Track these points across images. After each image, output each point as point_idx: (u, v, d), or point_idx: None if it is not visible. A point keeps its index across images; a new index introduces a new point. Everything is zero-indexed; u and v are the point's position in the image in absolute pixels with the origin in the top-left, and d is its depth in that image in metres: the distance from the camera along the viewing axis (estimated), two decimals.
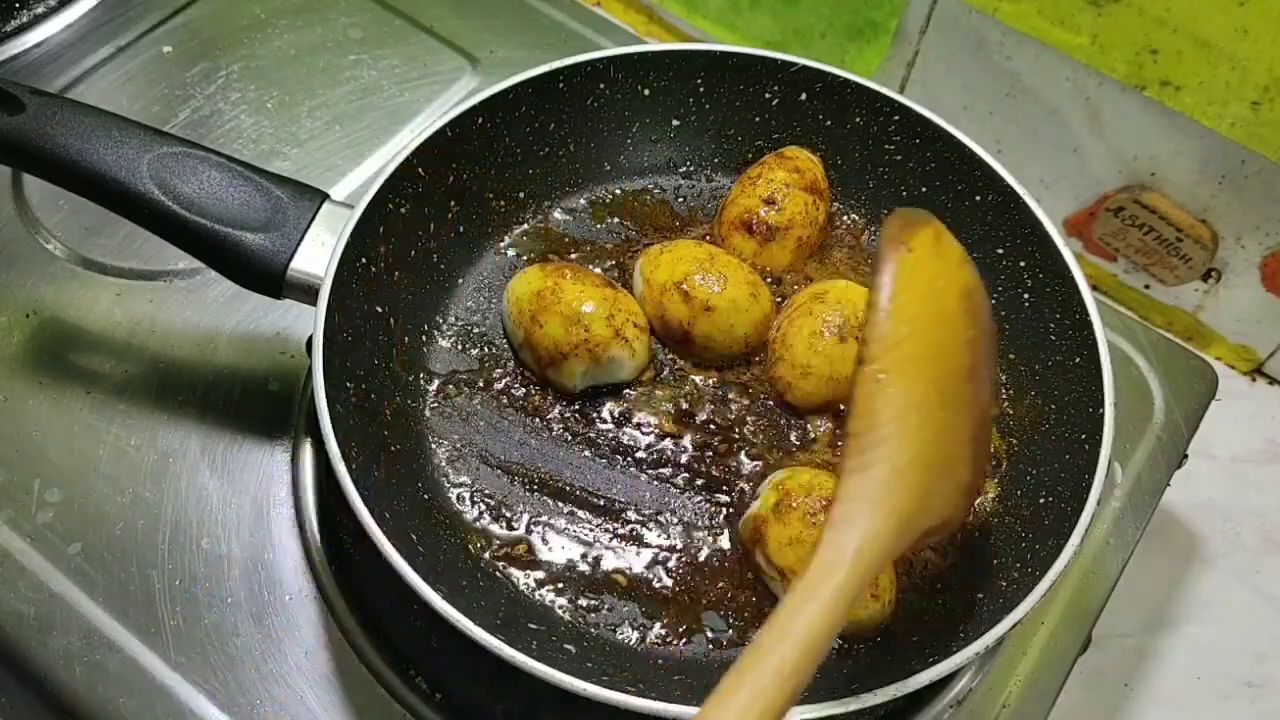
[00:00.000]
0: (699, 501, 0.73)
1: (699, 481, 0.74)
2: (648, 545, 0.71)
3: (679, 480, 0.74)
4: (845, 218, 0.86)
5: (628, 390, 0.76)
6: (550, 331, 0.73)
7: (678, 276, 0.75)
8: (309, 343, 0.68)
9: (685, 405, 0.76)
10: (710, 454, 0.74)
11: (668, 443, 0.75)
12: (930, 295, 0.56)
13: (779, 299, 0.79)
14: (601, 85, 0.83)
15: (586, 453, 0.75)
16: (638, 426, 0.75)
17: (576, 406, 0.76)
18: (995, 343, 0.62)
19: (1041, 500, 0.71)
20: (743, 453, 0.75)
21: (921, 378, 0.54)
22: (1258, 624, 0.92)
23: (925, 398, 0.54)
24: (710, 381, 0.77)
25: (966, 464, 0.59)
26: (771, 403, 0.76)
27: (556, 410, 0.76)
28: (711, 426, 0.75)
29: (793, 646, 0.47)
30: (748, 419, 0.76)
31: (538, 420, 0.76)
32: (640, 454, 0.75)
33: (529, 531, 0.71)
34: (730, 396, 0.77)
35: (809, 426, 0.76)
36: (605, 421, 0.76)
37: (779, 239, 0.79)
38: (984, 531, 0.73)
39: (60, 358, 0.84)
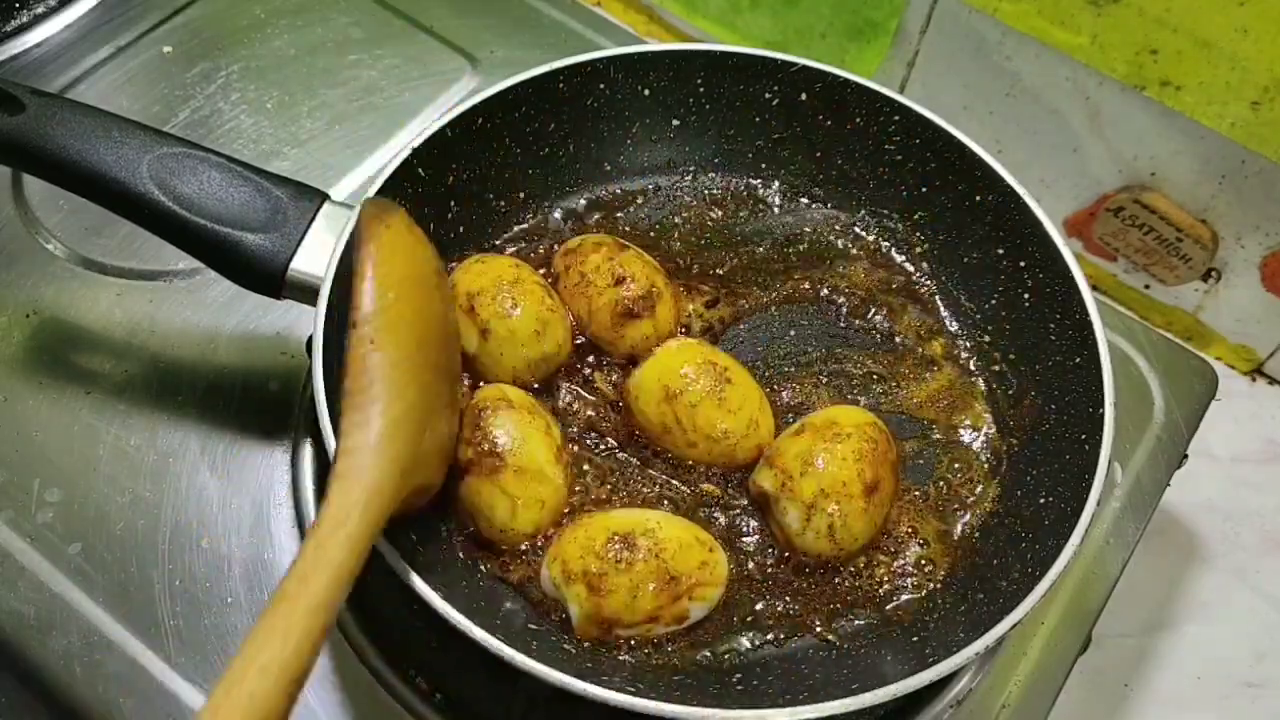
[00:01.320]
0: (699, 499, 0.73)
1: (699, 480, 0.74)
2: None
3: (680, 479, 0.74)
4: (857, 228, 0.86)
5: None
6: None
7: (473, 289, 0.74)
8: (309, 343, 0.68)
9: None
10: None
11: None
12: (409, 266, 0.62)
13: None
14: (601, 85, 0.83)
15: (585, 452, 0.75)
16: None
17: (576, 408, 0.76)
18: (456, 323, 0.69)
19: (1041, 500, 0.71)
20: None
21: (407, 340, 0.59)
22: (1258, 624, 0.92)
23: (411, 358, 0.59)
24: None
25: (445, 424, 0.65)
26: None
27: (557, 410, 0.76)
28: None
29: (318, 584, 0.50)
30: None
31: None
32: (642, 453, 0.75)
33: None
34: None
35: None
36: (607, 418, 0.76)
37: (660, 300, 0.76)
38: (984, 531, 0.73)
39: (60, 358, 0.84)
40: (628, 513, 0.69)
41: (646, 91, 0.84)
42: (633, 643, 0.67)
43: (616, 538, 0.65)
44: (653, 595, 0.65)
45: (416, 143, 0.75)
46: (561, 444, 0.71)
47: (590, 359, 0.78)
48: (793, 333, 0.81)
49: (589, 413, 0.76)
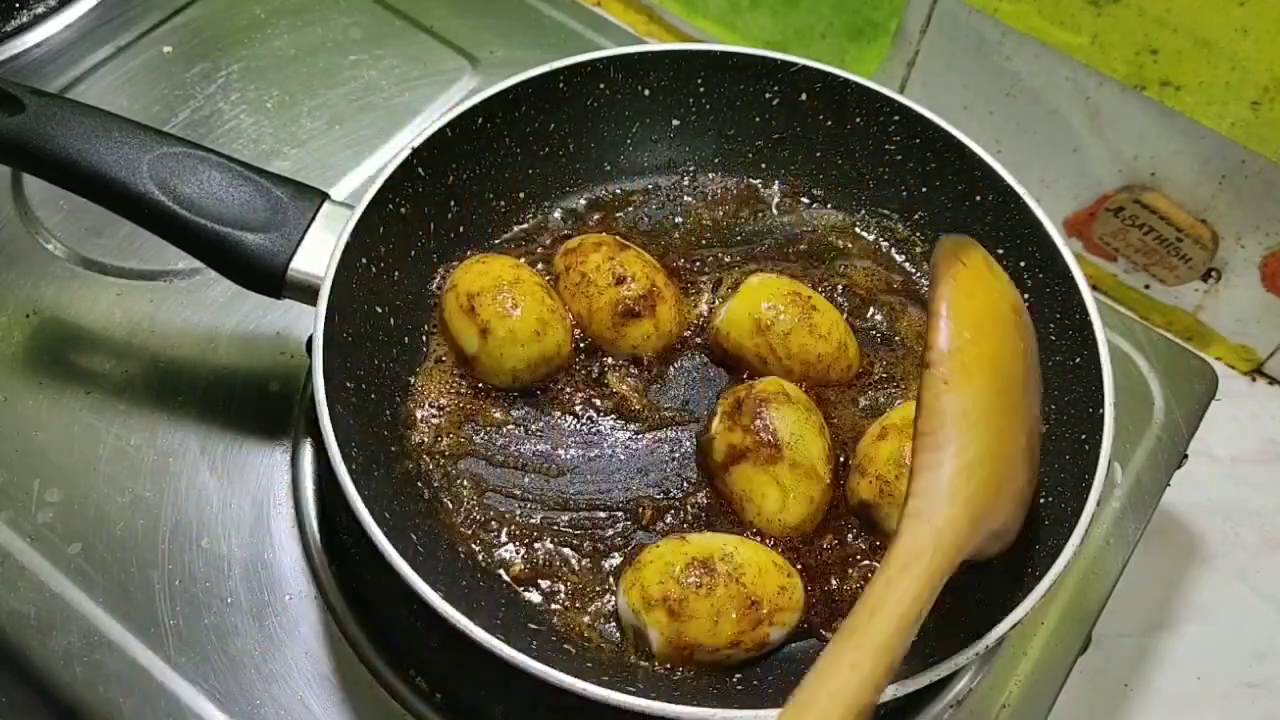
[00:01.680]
0: (700, 499, 0.73)
1: (699, 480, 0.74)
2: (650, 541, 0.71)
3: (681, 478, 0.74)
4: (857, 228, 0.86)
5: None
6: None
7: (473, 289, 0.75)
8: (309, 343, 0.68)
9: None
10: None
11: (667, 443, 0.75)
12: (986, 305, 0.60)
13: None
14: (601, 85, 0.83)
15: (585, 452, 0.75)
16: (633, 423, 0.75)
17: (577, 405, 0.76)
18: (1038, 361, 0.65)
19: (1041, 500, 0.71)
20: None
21: (982, 382, 0.57)
22: (1258, 624, 0.92)
23: (987, 401, 0.57)
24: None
25: (1022, 472, 0.62)
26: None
27: (557, 408, 0.76)
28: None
29: (884, 623, 0.51)
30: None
31: (538, 418, 0.76)
32: (644, 452, 0.75)
33: (530, 531, 0.71)
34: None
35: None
36: (607, 418, 0.76)
37: (660, 300, 0.77)
38: None
39: (60, 358, 0.84)
40: (703, 537, 0.69)
41: (646, 91, 0.84)
42: (633, 640, 0.67)
43: (695, 562, 0.66)
44: (734, 621, 0.65)
45: (416, 143, 0.75)
46: (833, 447, 0.73)
47: (594, 361, 0.78)
48: None
49: (609, 413, 0.76)
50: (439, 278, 0.80)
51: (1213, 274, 1.01)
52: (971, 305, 0.58)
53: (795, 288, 0.77)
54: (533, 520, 0.72)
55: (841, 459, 0.74)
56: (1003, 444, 0.59)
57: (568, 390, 0.77)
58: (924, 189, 0.83)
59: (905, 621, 0.51)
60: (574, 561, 0.71)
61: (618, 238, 0.80)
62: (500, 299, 0.74)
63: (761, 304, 0.76)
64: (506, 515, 0.72)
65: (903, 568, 0.53)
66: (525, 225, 0.84)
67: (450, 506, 0.72)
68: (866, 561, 0.72)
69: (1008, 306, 0.62)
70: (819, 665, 0.49)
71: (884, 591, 0.52)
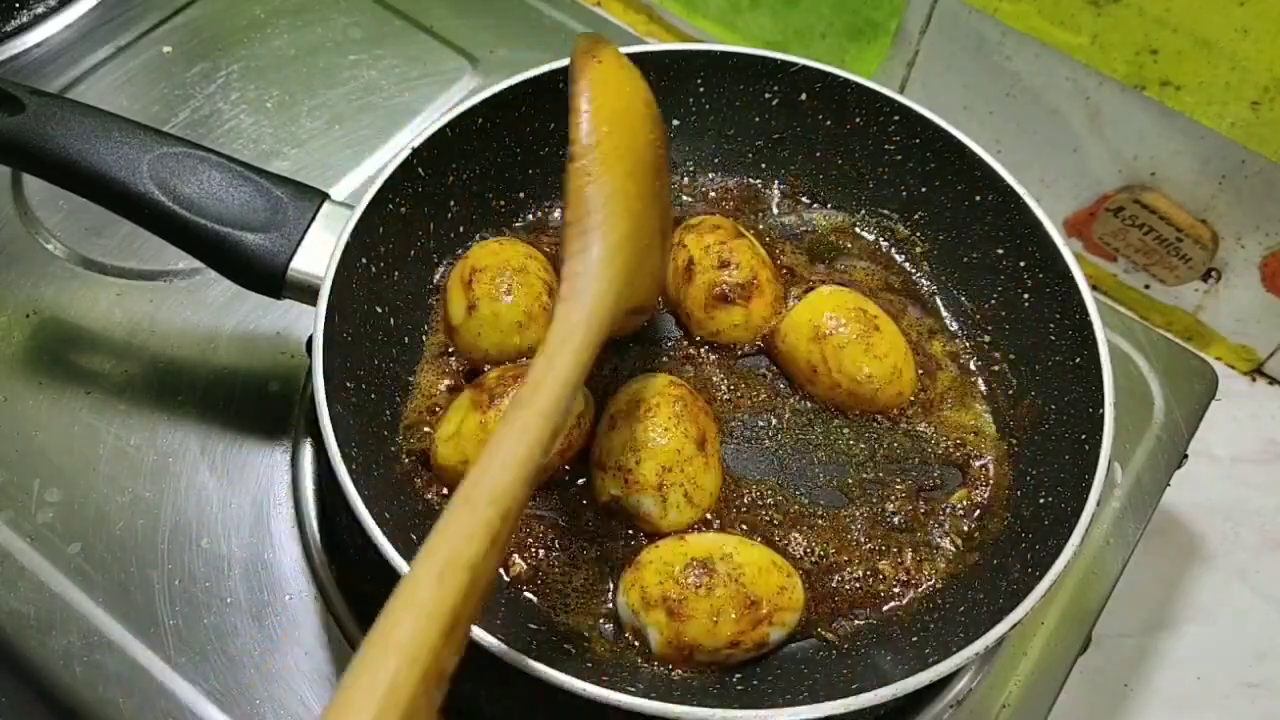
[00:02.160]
0: None
1: None
2: (650, 542, 0.71)
3: None
4: (857, 228, 0.86)
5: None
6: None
7: (478, 265, 0.76)
8: (309, 343, 0.68)
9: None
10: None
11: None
12: (621, 98, 0.64)
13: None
14: None
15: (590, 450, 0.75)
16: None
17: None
18: (668, 147, 0.70)
19: (1041, 500, 0.71)
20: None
21: (621, 170, 0.62)
22: (1258, 624, 0.92)
23: (625, 187, 0.62)
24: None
25: (657, 253, 0.68)
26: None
27: None
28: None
29: (548, 392, 0.55)
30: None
31: None
32: None
33: (529, 531, 0.71)
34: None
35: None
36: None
37: (756, 292, 0.77)
38: (983, 532, 0.73)
39: (60, 358, 0.84)
40: (703, 538, 0.69)
41: None
42: (632, 641, 0.67)
43: (695, 563, 0.66)
44: (734, 621, 0.65)
45: (416, 143, 0.75)
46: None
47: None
48: None
49: None
50: (439, 275, 0.80)
51: (1213, 274, 1.01)
52: (608, 99, 0.63)
53: (863, 304, 0.77)
54: (533, 520, 0.72)
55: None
56: (642, 227, 0.63)
57: None
58: (924, 189, 0.83)
59: (566, 389, 0.55)
60: (574, 562, 0.71)
61: (739, 225, 0.81)
62: (497, 282, 0.75)
63: (824, 314, 0.76)
64: None
65: (560, 343, 0.57)
66: (525, 225, 0.84)
67: None
68: (868, 560, 0.72)
69: (640, 101, 0.66)
70: (498, 433, 0.52)
71: (545, 367, 0.56)
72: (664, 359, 0.78)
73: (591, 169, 0.61)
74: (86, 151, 0.69)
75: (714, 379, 0.78)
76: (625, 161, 0.62)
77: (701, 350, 0.79)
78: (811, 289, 0.79)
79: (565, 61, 0.80)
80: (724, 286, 0.77)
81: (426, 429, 0.74)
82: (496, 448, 0.52)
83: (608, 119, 0.62)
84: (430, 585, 0.46)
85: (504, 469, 0.51)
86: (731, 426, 0.76)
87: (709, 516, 0.72)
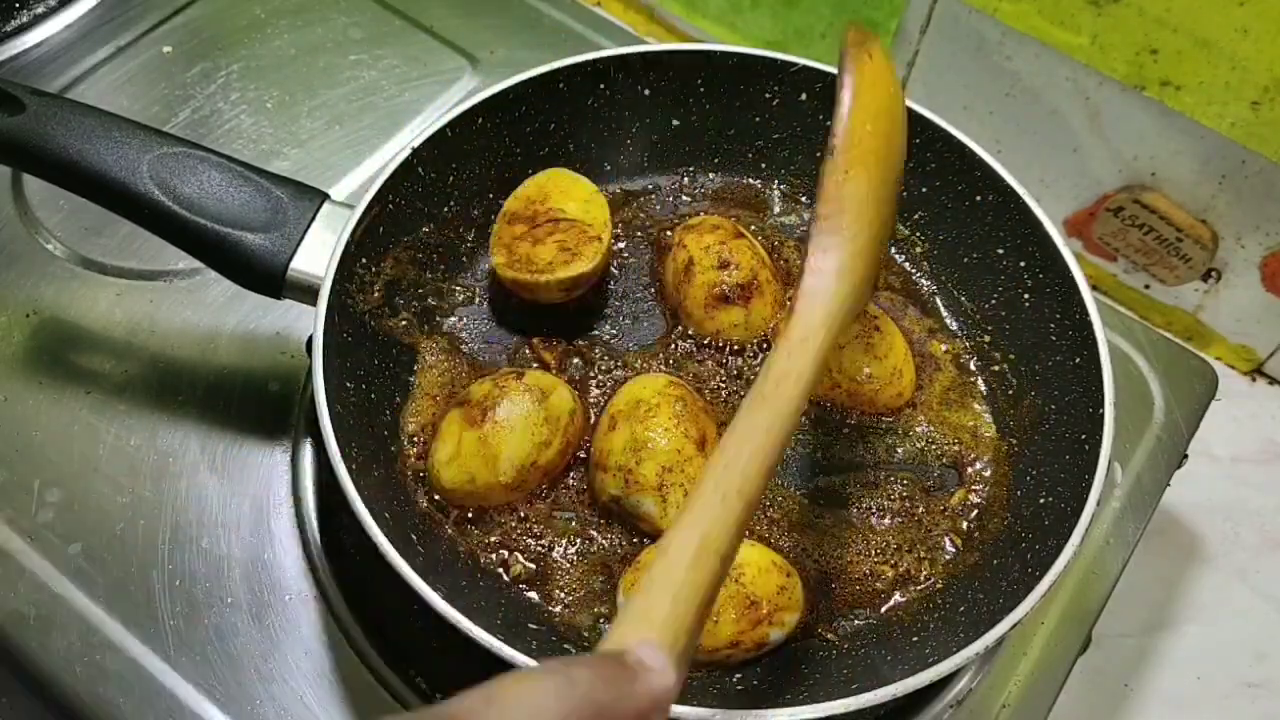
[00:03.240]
0: None
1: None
2: (649, 542, 0.71)
3: None
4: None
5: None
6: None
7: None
8: (309, 343, 0.68)
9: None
10: None
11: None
12: (885, 100, 0.62)
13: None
14: (601, 85, 0.83)
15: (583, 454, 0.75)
16: None
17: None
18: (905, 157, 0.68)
19: (1041, 500, 0.71)
20: None
21: (875, 174, 0.61)
22: (1258, 624, 0.92)
23: (877, 191, 0.61)
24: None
25: (882, 258, 0.68)
26: None
27: None
28: None
29: (792, 389, 0.54)
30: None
31: None
32: None
33: (529, 530, 0.71)
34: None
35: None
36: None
37: (756, 293, 0.77)
38: (983, 532, 0.73)
39: (60, 358, 0.84)
40: None
41: (646, 91, 0.84)
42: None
43: None
44: (734, 621, 0.65)
45: (417, 143, 0.75)
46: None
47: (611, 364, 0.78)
48: None
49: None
50: (444, 278, 0.80)
51: (1213, 274, 1.01)
52: (874, 98, 0.61)
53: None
54: (533, 519, 0.72)
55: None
56: (881, 234, 0.63)
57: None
58: (924, 189, 0.83)
59: (805, 390, 0.55)
60: (574, 561, 0.71)
61: (738, 225, 0.81)
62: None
63: None
64: (507, 514, 0.72)
65: (802, 340, 0.56)
66: None
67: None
68: (867, 560, 0.72)
69: (899, 104, 0.65)
70: (745, 424, 0.52)
71: (786, 364, 0.55)
72: (664, 359, 0.78)
73: (850, 166, 0.59)
74: (86, 151, 0.69)
75: (714, 379, 0.78)
76: (881, 165, 0.61)
77: (701, 350, 0.79)
78: None
79: (565, 61, 0.80)
80: (724, 286, 0.77)
81: (424, 442, 0.74)
82: (746, 439, 0.52)
83: (871, 118, 0.60)
84: (686, 568, 0.47)
85: (753, 462, 0.51)
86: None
87: None
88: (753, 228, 0.85)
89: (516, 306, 0.80)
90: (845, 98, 0.59)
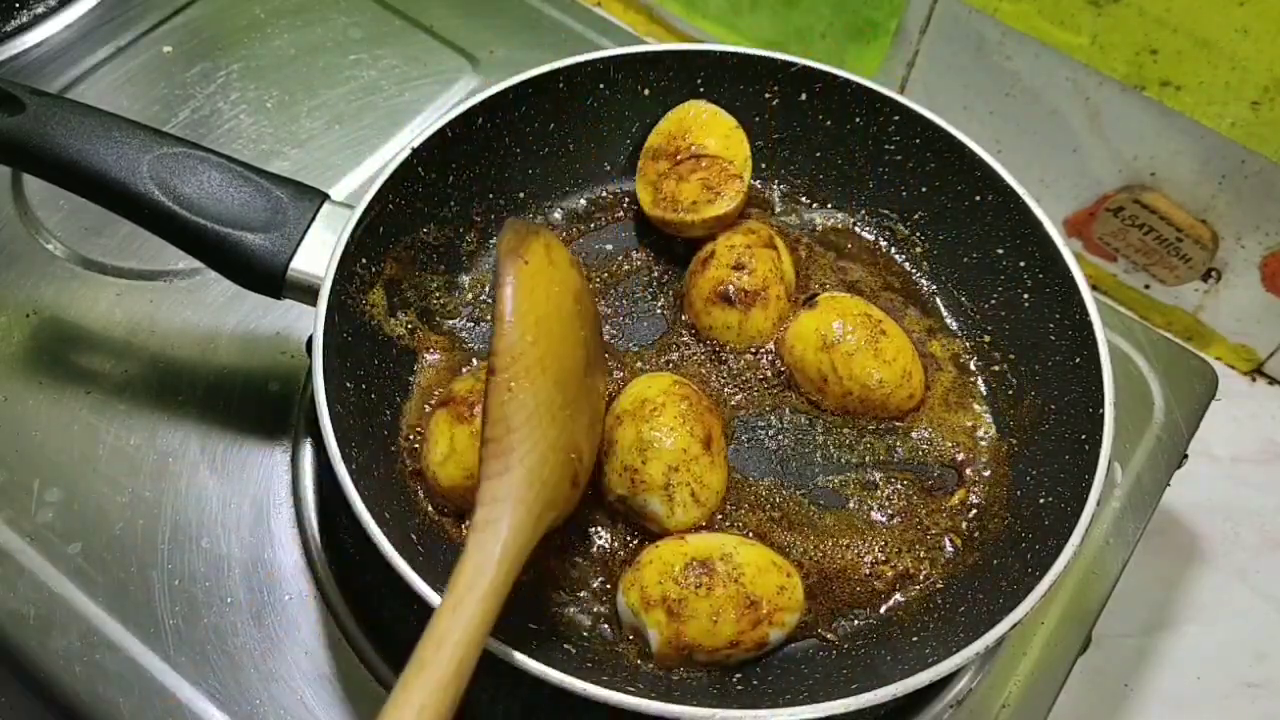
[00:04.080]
0: None
1: None
2: (649, 542, 0.71)
3: None
4: (857, 228, 0.86)
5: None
6: None
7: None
8: (309, 343, 0.68)
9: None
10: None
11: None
12: (548, 301, 0.60)
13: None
14: (601, 85, 0.83)
15: None
16: None
17: None
18: (601, 332, 0.66)
19: (1041, 500, 0.71)
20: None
21: (546, 381, 0.58)
22: (1258, 624, 0.92)
23: (550, 398, 0.58)
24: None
25: (586, 453, 0.64)
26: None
27: None
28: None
29: (452, 653, 0.50)
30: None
31: None
32: None
33: None
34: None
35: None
36: None
37: (759, 303, 0.77)
38: (984, 532, 0.73)
39: (60, 358, 0.84)
40: (703, 537, 0.69)
41: (646, 91, 0.84)
42: (632, 640, 0.67)
43: (695, 563, 0.66)
44: (734, 621, 0.65)
45: (416, 143, 0.75)
46: None
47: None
48: None
49: None
50: (444, 278, 0.80)
51: (1213, 274, 1.01)
52: (534, 304, 0.58)
53: (867, 309, 0.77)
54: None
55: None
56: (567, 435, 0.60)
57: None
58: (924, 189, 0.83)
59: (473, 647, 0.51)
60: (574, 561, 0.71)
61: (776, 235, 0.80)
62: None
63: (831, 322, 0.75)
64: None
65: (468, 588, 0.52)
66: None
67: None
68: (867, 560, 0.72)
69: (570, 298, 0.62)
70: (389, 709, 0.48)
71: (450, 621, 0.51)
72: (668, 359, 0.78)
73: (514, 383, 0.56)
74: (86, 151, 0.69)
75: (716, 379, 0.78)
76: (551, 371, 0.58)
77: (705, 351, 0.79)
78: (813, 296, 0.79)
79: (565, 61, 0.80)
80: (729, 286, 0.77)
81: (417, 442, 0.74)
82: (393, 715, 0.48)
83: (533, 326, 0.58)
84: None
85: None
86: (733, 427, 0.76)
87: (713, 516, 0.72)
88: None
89: None
90: (503, 312, 0.57)
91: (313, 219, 0.71)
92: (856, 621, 0.70)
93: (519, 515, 0.55)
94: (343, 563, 0.75)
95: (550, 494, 0.58)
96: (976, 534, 0.73)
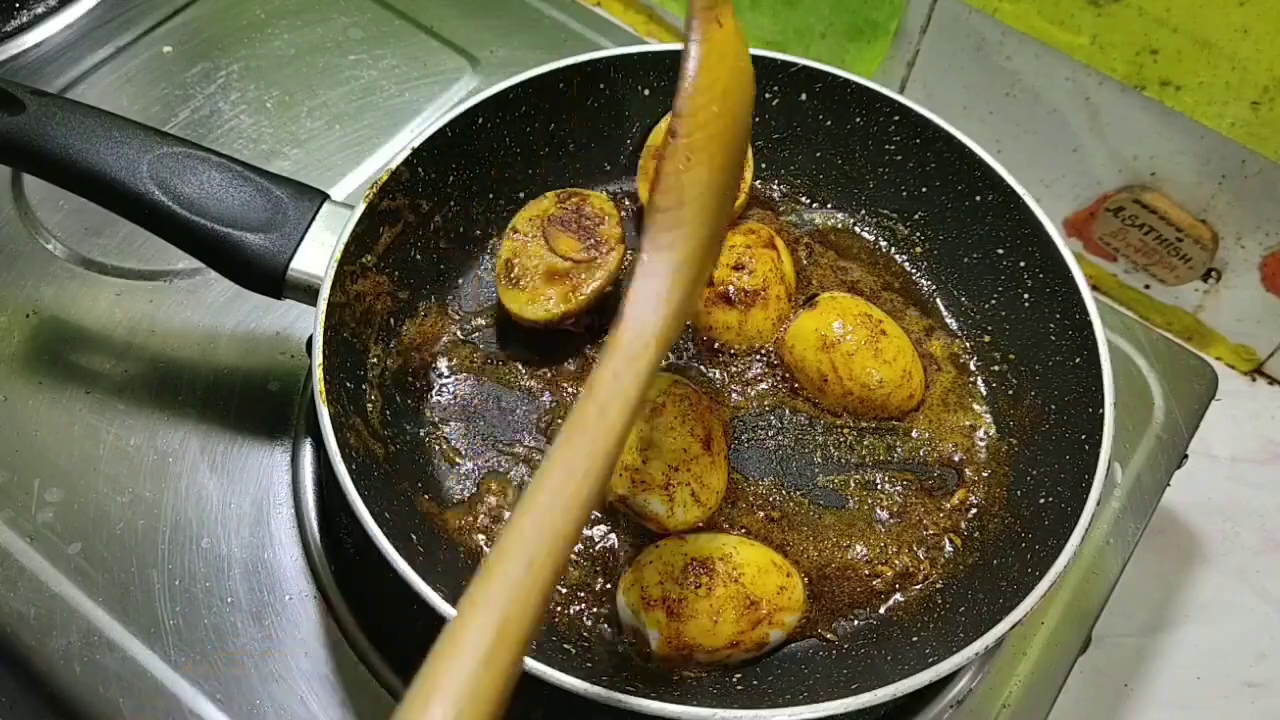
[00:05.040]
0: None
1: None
2: (649, 542, 0.71)
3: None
4: (857, 228, 0.86)
5: None
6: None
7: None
8: (309, 343, 0.68)
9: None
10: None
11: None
12: (736, 74, 0.55)
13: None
14: (601, 85, 0.83)
15: None
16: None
17: None
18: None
19: (1041, 500, 0.71)
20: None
21: (719, 159, 0.54)
22: (1258, 624, 0.92)
23: (718, 180, 0.54)
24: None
25: (715, 262, 0.60)
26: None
27: (557, 406, 0.76)
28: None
29: (614, 416, 0.48)
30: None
31: (539, 419, 0.76)
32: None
33: None
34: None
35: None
36: None
37: (759, 303, 0.77)
38: (984, 532, 0.73)
39: (60, 358, 0.84)
40: (703, 538, 0.69)
41: (646, 91, 0.84)
42: (632, 641, 0.67)
43: (695, 563, 0.66)
44: (733, 621, 0.65)
45: (416, 143, 0.75)
46: None
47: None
48: None
49: None
50: (444, 277, 0.80)
51: (1213, 274, 1.01)
52: (723, 73, 0.54)
53: (867, 309, 0.77)
54: None
55: None
56: (719, 228, 0.56)
57: (569, 390, 0.77)
58: (924, 189, 0.83)
59: (631, 418, 0.48)
60: (574, 561, 0.71)
61: (776, 235, 0.80)
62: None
63: (831, 322, 0.76)
64: (508, 515, 0.72)
65: (630, 358, 0.49)
66: None
67: (451, 504, 0.72)
68: (867, 560, 0.72)
69: (749, 78, 0.58)
70: (551, 466, 0.45)
71: (613, 386, 0.48)
72: (669, 359, 0.78)
73: (693, 151, 0.52)
74: (86, 151, 0.69)
75: (717, 380, 0.78)
76: (726, 149, 0.54)
77: (705, 351, 0.79)
78: (813, 296, 0.79)
79: (565, 61, 0.80)
80: (729, 287, 0.77)
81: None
82: (561, 487, 0.45)
83: (719, 96, 0.53)
84: (478, 664, 0.40)
85: (568, 514, 0.44)
86: (733, 427, 0.76)
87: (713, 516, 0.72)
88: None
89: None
90: (690, 71, 0.52)
91: (313, 219, 0.71)
92: (856, 621, 0.70)
93: (679, 290, 0.51)
94: (343, 563, 0.75)
95: (700, 281, 0.54)
96: (976, 534, 0.73)
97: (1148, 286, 1.06)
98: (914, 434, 0.77)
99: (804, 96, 0.84)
